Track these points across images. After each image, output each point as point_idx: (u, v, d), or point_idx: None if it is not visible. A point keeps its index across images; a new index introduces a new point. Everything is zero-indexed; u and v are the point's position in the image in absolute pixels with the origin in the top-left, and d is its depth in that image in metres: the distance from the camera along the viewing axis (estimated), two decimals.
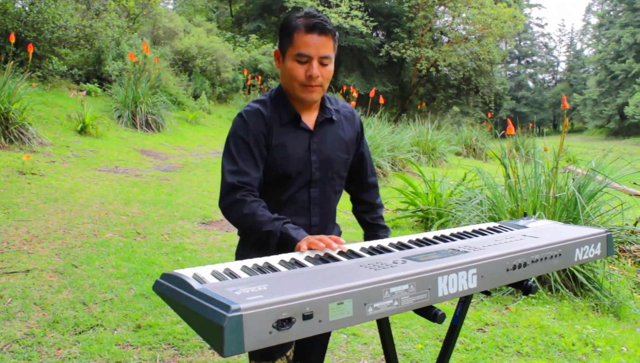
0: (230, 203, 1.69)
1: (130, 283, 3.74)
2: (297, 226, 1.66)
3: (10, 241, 4.27)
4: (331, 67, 1.75)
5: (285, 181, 1.80)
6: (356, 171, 2.03)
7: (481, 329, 3.43)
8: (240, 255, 1.87)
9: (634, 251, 4.69)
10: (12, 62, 8.11)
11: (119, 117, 11.07)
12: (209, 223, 5.55)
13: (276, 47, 1.81)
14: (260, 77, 19.60)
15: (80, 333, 2.97)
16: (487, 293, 1.57)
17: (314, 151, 1.81)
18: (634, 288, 4.31)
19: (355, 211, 2.12)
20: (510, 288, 3.88)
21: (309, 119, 1.83)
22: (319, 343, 2.09)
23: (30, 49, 8.09)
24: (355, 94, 12.76)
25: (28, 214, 5.00)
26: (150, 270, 3.99)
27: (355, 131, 1.96)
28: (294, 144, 1.78)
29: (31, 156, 6.95)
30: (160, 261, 4.22)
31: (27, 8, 10.40)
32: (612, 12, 48.43)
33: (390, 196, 7.57)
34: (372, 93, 11.33)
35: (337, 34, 1.77)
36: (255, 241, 1.71)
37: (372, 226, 2.08)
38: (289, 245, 1.58)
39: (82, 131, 9.40)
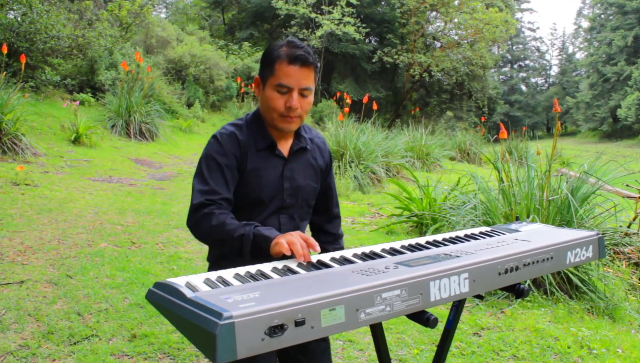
0: (198, 219, 1.66)
1: (125, 292, 3.73)
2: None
3: (4, 253, 4.25)
4: (311, 98, 1.75)
5: (258, 206, 1.79)
6: (323, 201, 2.01)
7: (477, 333, 3.44)
8: (212, 257, 1.88)
9: (628, 253, 4.70)
10: (4, 73, 8.11)
11: (113, 126, 11.06)
12: None
13: (257, 75, 1.80)
14: (253, 85, 19.61)
15: (75, 343, 2.96)
16: (479, 297, 1.58)
17: (287, 178, 1.81)
18: (628, 290, 4.32)
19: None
20: (505, 292, 3.89)
21: (284, 146, 1.83)
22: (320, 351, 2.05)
23: (23, 60, 8.08)
24: (348, 101, 12.77)
25: (22, 225, 4.98)
26: (145, 280, 3.98)
27: (325, 161, 1.95)
28: (268, 170, 1.78)
29: (25, 167, 6.94)
30: (155, 271, 4.21)
31: (19, 18, 10.40)
32: (602, 16, 48.70)
33: (385, 202, 7.59)
34: (365, 99, 11.33)
35: (318, 65, 1.77)
36: (229, 252, 1.67)
37: None
38: (263, 244, 1.53)
39: (76, 141, 9.39)
